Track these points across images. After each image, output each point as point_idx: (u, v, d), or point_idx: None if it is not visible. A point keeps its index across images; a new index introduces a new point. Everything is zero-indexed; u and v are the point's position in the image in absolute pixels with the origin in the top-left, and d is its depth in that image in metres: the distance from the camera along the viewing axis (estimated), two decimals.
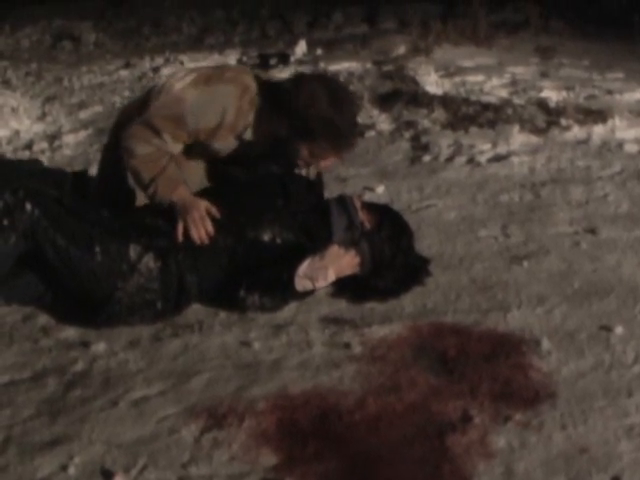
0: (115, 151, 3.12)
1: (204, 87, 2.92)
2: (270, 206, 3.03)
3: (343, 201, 3.09)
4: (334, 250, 2.91)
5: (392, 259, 3.01)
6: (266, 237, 2.94)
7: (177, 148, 2.99)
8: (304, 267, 2.86)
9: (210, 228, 2.87)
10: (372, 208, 3.15)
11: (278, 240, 2.96)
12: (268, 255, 2.92)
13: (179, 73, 3.08)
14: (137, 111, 3.08)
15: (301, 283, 2.87)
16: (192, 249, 2.85)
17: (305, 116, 2.84)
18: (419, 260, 3.16)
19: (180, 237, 2.86)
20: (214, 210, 2.90)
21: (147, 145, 2.91)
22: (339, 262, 2.91)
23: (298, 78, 3.04)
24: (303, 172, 3.15)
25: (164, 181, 2.93)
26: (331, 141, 2.91)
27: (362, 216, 3.04)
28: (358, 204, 3.09)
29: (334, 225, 2.99)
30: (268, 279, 2.86)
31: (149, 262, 2.79)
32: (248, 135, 2.97)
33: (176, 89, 2.95)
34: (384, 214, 3.14)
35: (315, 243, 2.94)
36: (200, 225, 2.86)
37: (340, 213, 3.03)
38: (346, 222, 3.00)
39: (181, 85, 2.95)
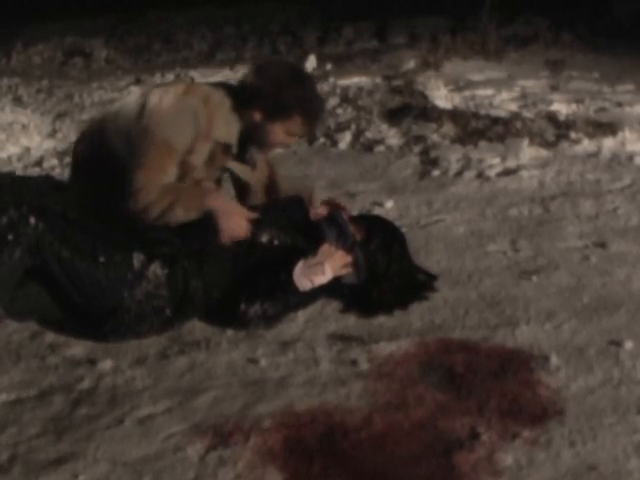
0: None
1: (168, 108, 2.95)
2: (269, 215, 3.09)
3: (332, 216, 3.16)
4: (326, 247, 2.96)
5: (387, 268, 3.06)
6: (264, 238, 2.99)
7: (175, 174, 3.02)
8: (300, 267, 2.90)
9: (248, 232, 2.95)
10: (361, 221, 3.22)
11: (276, 241, 3.01)
12: (266, 257, 2.95)
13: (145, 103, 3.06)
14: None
15: (300, 282, 2.88)
16: (197, 255, 2.88)
17: (278, 98, 2.96)
18: (422, 273, 3.19)
19: (227, 241, 2.91)
20: (252, 215, 2.98)
21: (156, 188, 2.92)
22: (332, 258, 2.93)
23: (256, 69, 3.10)
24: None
25: (190, 195, 2.96)
26: (307, 115, 3.05)
27: (352, 229, 3.10)
28: (346, 217, 3.16)
29: (326, 237, 3.04)
30: (266, 285, 2.88)
31: (156, 269, 2.80)
32: (222, 138, 3.03)
33: (147, 125, 2.96)
34: (373, 225, 3.19)
35: (311, 247, 2.97)
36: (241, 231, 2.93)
37: (330, 228, 3.09)
38: (336, 234, 3.06)
39: (150, 119, 2.97)
